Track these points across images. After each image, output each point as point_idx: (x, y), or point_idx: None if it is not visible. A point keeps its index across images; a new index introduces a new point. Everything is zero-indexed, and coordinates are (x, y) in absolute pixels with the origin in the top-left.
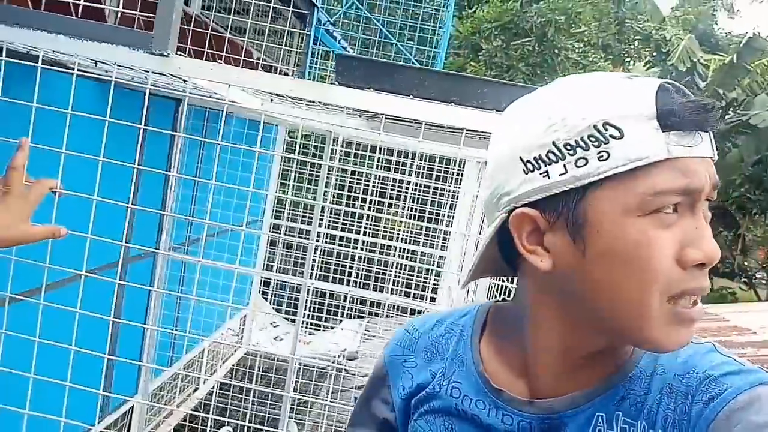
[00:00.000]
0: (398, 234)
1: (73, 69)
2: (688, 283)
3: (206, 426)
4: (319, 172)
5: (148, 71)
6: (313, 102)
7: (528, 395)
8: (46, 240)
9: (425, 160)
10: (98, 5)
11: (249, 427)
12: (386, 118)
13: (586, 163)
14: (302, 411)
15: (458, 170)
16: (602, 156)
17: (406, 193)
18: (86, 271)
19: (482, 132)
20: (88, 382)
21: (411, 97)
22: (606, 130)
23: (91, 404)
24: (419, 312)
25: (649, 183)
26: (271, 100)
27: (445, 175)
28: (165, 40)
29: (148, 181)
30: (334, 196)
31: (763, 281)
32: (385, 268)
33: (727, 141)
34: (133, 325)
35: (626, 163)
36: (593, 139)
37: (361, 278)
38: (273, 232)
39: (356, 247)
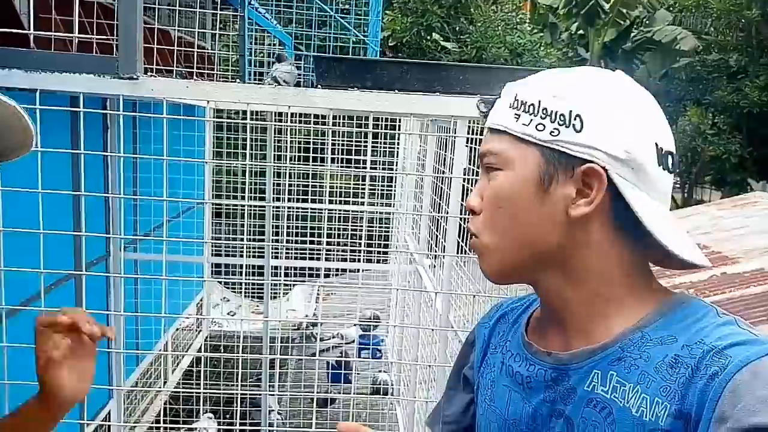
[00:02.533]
0: (339, 190)
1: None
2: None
3: (190, 416)
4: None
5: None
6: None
7: (548, 348)
8: None
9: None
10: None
11: (228, 411)
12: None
13: None
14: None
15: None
16: None
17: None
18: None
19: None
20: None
21: (395, 91)
22: None
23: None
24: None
25: None
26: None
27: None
28: (132, 61)
29: (88, 181)
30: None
31: (677, 186)
32: (342, 225)
33: (634, 58)
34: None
35: None
36: None
37: (315, 237)
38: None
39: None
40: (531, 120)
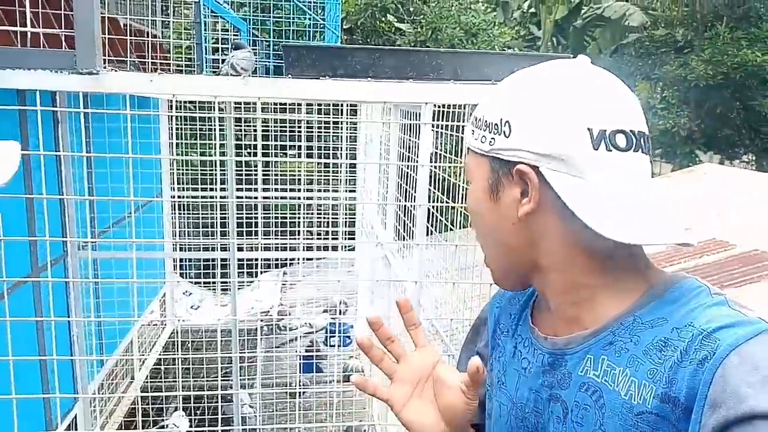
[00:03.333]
0: (300, 178)
1: None
2: None
3: (159, 414)
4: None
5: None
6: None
7: (547, 333)
8: None
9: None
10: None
11: (198, 407)
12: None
13: None
14: (245, 374)
15: (349, 107)
16: None
17: (306, 133)
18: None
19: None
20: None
21: (368, 79)
22: None
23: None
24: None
25: None
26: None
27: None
28: (91, 56)
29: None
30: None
31: None
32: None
33: (585, 35)
34: (60, 333)
35: None
36: None
37: (278, 227)
38: (179, 199)
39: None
40: (479, 134)
